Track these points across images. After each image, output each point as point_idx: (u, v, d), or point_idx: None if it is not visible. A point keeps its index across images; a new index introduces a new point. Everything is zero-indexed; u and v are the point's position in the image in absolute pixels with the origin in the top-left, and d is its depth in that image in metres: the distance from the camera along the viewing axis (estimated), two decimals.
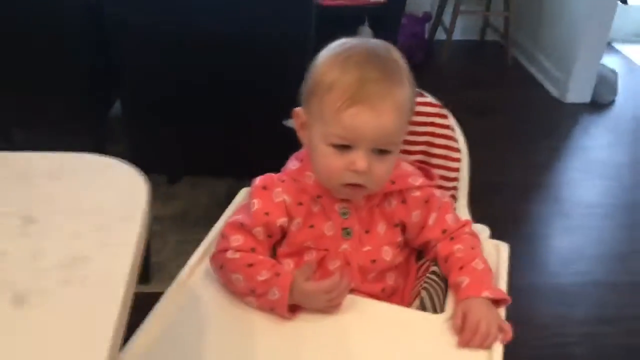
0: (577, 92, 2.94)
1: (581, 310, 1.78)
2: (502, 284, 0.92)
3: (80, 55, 1.58)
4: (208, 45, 1.37)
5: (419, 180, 0.93)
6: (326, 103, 0.83)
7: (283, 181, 0.91)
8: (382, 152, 0.84)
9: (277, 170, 0.94)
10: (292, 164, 0.93)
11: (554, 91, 3.04)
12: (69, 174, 0.70)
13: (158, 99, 1.47)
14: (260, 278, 0.83)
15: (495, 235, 2.05)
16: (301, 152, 0.95)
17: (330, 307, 0.84)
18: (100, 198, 0.67)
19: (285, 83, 1.37)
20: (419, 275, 0.96)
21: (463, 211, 1.03)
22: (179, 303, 0.85)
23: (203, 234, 0.97)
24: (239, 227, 0.88)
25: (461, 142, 1.06)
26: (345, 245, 0.90)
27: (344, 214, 0.90)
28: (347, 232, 0.90)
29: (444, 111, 1.07)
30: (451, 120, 1.07)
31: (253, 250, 0.87)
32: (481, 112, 2.84)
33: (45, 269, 0.57)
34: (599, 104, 2.97)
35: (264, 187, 0.90)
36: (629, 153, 2.64)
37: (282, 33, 1.37)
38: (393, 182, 0.91)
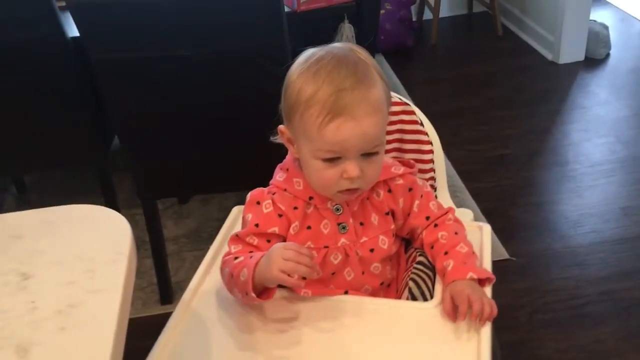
0: (571, 51, 2.95)
1: (594, 270, 1.81)
2: (487, 264, 0.96)
3: (70, 98, 1.65)
4: (187, 71, 1.42)
5: (401, 169, 0.97)
6: (307, 120, 0.85)
7: (274, 194, 0.95)
8: (370, 154, 0.87)
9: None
10: (279, 175, 0.97)
11: (547, 54, 3.04)
12: (58, 227, 0.76)
13: (151, 129, 1.53)
14: (237, 261, 0.89)
15: (503, 206, 2.09)
16: (285, 163, 0.99)
17: (282, 272, 0.81)
18: (88, 246, 0.72)
19: (267, 97, 1.44)
20: (408, 266, 1.00)
21: (445, 199, 1.07)
22: (183, 327, 0.89)
23: None
24: (235, 238, 0.94)
25: (432, 134, 1.10)
26: (343, 240, 0.95)
27: (337, 209, 0.94)
28: (342, 227, 0.94)
29: (410, 108, 1.11)
30: (419, 116, 1.11)
31: (251, 252, 0.91)
32: (478, 86, 2.86)
33: (43, 319, 0.63)
34: (595, 60, 2.97)
35: (257, 202, 0.95)
36: (626, 107, 2.64)
37: (257, 48, 1.41)
38: None
